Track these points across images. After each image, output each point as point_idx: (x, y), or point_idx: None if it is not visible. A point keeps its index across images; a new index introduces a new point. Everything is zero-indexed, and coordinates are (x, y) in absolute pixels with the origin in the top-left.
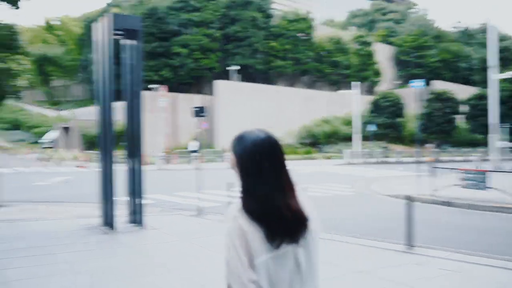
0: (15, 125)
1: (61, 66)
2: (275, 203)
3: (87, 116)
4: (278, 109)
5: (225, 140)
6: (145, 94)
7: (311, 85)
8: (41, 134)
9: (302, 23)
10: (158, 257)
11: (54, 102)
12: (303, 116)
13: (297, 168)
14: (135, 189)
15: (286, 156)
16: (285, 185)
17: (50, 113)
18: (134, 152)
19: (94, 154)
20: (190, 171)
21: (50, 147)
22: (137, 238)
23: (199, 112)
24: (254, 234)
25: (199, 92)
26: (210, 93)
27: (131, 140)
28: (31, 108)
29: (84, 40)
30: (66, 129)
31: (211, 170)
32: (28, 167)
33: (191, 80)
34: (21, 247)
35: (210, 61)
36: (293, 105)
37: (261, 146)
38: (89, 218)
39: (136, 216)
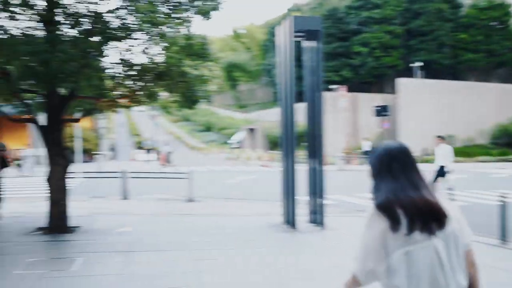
0: (207, 127)
1: (247, 71)
2: (407, 193)
3: (270, 118)
4: (466, 107)
5: (407, 140)
6: (325, 95)
7: (507, 79)
8: (230, 135)
9: (497, 10)
10: (336, 257)
11: (241, 105)
12: (497, 114)
13: (490, 171)
14: (316, 189)
15: (474, 158)
16: (416, 182)
17: (237, 115)
18: (315, 153)
19: (277, 154)
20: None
21: (238, 147)
22: (317, 238)
23: (381, 111)
24: (385, 226)
25: (380, 91)
26: (392, 91)
27: (312, 141)
28: (220, 111)
29: (267, 46)
30: (251, 130)
31: None
32: (218, 166)
33: (371, 79)
34: (214, 240)
35: (392, 58)
36: (485, 102)
37: (390, 149)
38: (269, 216)
39: (316, 216)
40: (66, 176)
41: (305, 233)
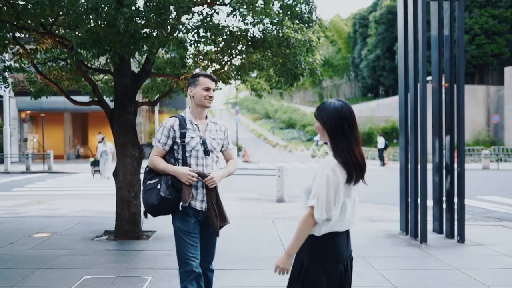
0: (290, 124)
1: (332, 65)
2: (356, 151)
3: (358, 113)
4: None
5: None
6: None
7: None
8: (313, 133)
9: None
10: None
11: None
12: None
13: None
14: (447, 192)
15: None
16: (358, 140)
17: None
18: (450, 146)
19: (367, 150)
20: (473, 171)
21: (322, 145)
22: (460, 258)
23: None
24: (342, 179)
25: (481, 82)
26: (494, 83)
27: (449, 131)
28: (303, 108)
29: (353, 39)
30: None
31: (503, 171)
32: (303, 164)
33: (471, 69)
34: None
35: (496, 46)
36: None
37: (341, 111)
38: (381, 222)
39: (447, 225)
40: (139, 171)
41: (439, 249)
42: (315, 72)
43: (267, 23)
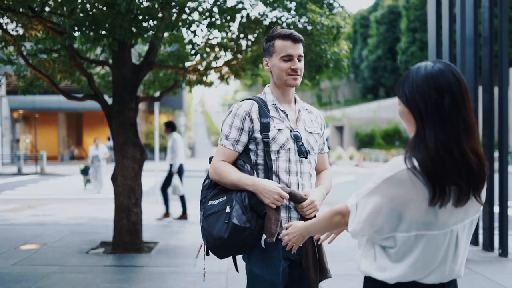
0: None
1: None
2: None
3: (358, 115)
4: None
5: None
6: None
7: None
8: None
9: None
10: None
11: (323, 103)
12: None
13: None
14: (486, 197)
15: None
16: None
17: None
18: (490, 147)
19: (370, 152)
20: None
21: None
22: (508, 275)
23: None
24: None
25: None
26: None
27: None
28: None
29: (354, 39)
30: (338, 128)
31: None
32: None
33: None
34: None
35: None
36: None
37: (436, 79)
38: None
39: (484, 235)
40: (140, 175)
41: (482, 265)
42: (341, 64)
43: (289, 6)
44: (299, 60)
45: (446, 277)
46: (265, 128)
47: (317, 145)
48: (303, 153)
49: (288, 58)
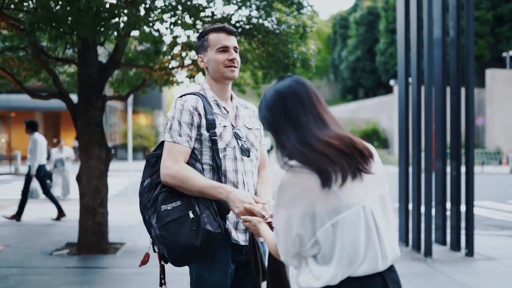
0: None
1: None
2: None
3: (337, 115)
4: None
5: (497, 138)
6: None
7: None
8: None
9: None
10: None
11: None
12: None
13: None
14: (453, 197)
15: None
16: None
17: None
18: (457, 148)
19: None
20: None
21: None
22: (477, 275)
23: None
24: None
25: (462, 84)
26: (477, 85)
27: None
28: None
29: (332, 40)
30: None
31: (485, 174)
32: None
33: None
34: None
35: (478, 48)
36: None
37: (279, 91)
38: None
39: (452, 234)
40: (105, 175)
41: (447, 264)
42: (308, 64)
43: (254, 5)
44: (235, 51)
45: (381, 265)
46: (211, 125)
47: (257, 140)
48: (245, 151)
49: (224, 49)
